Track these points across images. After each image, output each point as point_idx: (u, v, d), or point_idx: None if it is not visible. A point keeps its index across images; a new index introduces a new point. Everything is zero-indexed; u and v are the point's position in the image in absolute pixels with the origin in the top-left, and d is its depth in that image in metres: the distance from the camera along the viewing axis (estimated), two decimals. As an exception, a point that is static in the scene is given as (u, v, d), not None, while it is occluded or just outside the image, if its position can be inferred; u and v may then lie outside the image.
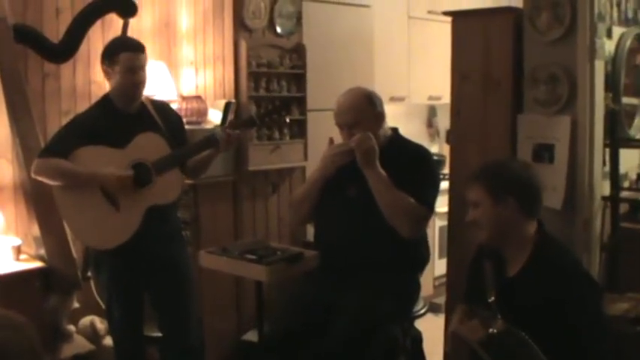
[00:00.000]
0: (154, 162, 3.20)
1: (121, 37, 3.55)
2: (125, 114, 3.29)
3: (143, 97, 3.37)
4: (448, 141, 4.42)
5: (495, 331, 2.43)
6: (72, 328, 3.86)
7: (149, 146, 3.23)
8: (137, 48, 3.26)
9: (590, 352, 2.40)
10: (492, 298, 2.56)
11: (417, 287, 3.45)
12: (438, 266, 5.51)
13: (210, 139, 3.32)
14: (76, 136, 3.19)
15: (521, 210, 2.56)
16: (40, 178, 3.19)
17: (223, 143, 3.30)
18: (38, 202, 3.54)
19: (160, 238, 3.32)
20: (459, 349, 2.64)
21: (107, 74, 3.27)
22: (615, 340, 2.54)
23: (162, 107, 3.48)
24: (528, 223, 2.59)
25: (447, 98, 3.94)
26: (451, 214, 3.87)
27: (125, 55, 3.21)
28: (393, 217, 3.17)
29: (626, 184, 3.87)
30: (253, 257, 3.20)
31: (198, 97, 4.38)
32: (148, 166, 3.19)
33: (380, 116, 3.34)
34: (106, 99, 3.33)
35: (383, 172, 3.19)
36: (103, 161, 3.16)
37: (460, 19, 3.79)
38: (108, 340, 3.86)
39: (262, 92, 4.37)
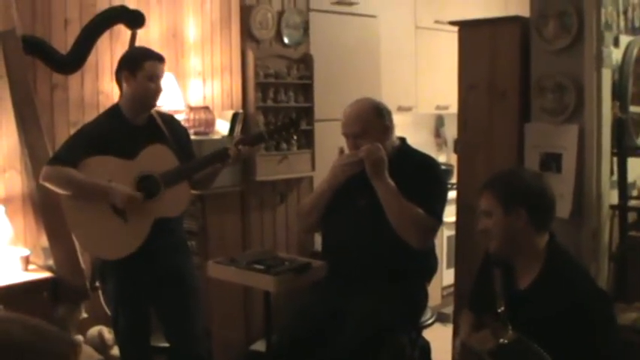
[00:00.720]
0: (162, 174, 3.20)
1: (143, 47, 3.60)
2: (134, 125, 3.30)
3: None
4: (456, 150, 4.42)
5: (506, 341, 2.42)
6: (80, 338, 3.87)
7: (157, 158, 3.24)
8: (161, 58, 3.32)
9: None
10: (502, 308, 2.55)
11: (424, 296, 3.44)
12: (446, 276, 5.50)
13: (220, 154, 3.32)
14: (84, 145, 3.19)
15: (533, 221, 2.55)
16: (47, 185, 3.20)
17: (233, 159, 3.31)
18: (47, 212, 3.56)
19: (166, 250, 3.32)
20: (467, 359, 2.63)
21: (126, 81, 3.28)
22: (623, 349, 2.52)
23: (170, 120, 3.50)
24: (539, 234, 2.58)
25: (454, 108, 3.94)
26: (459, 223, 3.86)
27: (150, 63, 3.26)
28: (402, 228, 3.17)
29: (634, 193, 3.85)
30: (261, 267, 3.20)
31: (205, 108, 4.40)
32: (157, 179, 3.20)
33: (387, 128, 3.35)
34: (115, 109, 3.34)
35: (392, 182, 3.19)
36: (111, 172, 3.16)
37: (467, 28, 3.79)
38: (116, 351, 3.86)
39: (270, 103, 4.38)
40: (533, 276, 2.56)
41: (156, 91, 3.29)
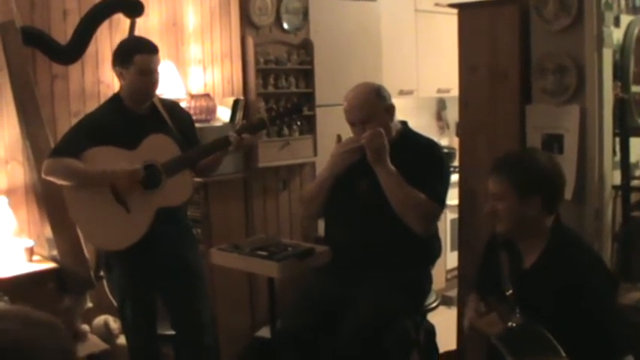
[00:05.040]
0: (163, 164, 3.20)
1: (134, 38, 3.51)
2: (135, 114, 3.29)
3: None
4: (458, 134, 4.41)
5: (514, 324, 2.43)
6: (86, 327, 3.89)
7: (159, 148, 3.23)
8: (151, 49, 3.23)
9: (607, 340, 2.41)
10: (510, 292, 2.56)
11: (428, 281, 3.45)
12: (450, 259, 5.50)
13: (222, 142, 3.31)
14: (85, 136, 3.19)
15: (545, 207, 2.55)
16: (50, 178, 3.20)
17: (235, 146, 3.29)
18: (50, 203, 3.56)
19: (171, 239, 3.32)
20: (476, 344, 2.64)
21: (120, 76, 3.26)
22: (628, 329, 2.53)
23: (173, 107, 3.48)
24: (549, 217, 2.59)
25: (456, 91, 3.91)
26: (462, 207, 3.85)
27: (140, 57, 3.19)
28: (405, 214, 3.17)
29: (636, 173, 3.84)
30: (264, 254, 3.21)
31: (206, 95, 4.39)
32: (158, 168, 3.19)
33: (390, 109, 3.34)
34: (116, 98, 3.33)
35: (394, 168, 3.18)
36: (112, 162, 3.16)
37: (466, 10, 3.77)
38: (122, 340, 3.87)
39: (271, 89, 4.37)
40: (537, 254, 2.58)
41: (151, 84, 3.25)
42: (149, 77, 3.22)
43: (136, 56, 3.19)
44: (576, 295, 2.39)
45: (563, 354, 2.27)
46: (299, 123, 4.23)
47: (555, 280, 2.45)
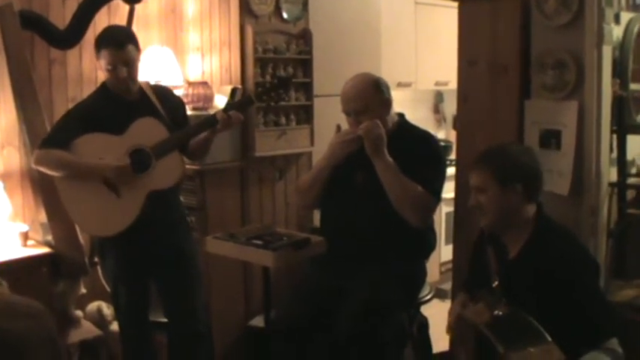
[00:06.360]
0: (152, 146, 3.19)
1: (106, 30, 3.39)
2: (124, 100, 3.28)
3: (142, 83, 3.36)
4: (455, 127, 4.41)
5: (500, 313, 2.48)
6: (79, 313, 3.89)
7: (147, 131, 3.22)
8: (117, 44, 3.18)
9: (591, 324, 2.46)
10: (496, 283, 2.62)
11: (423, 274, 3.45)
12: (445, 252, 5.52)
13: (208, 120, 3.30)
14: (75, 125, 3.19)
15: (526, 195, 2.63)
16: (40, 169, 3.20)
17: (222, 124, 3.28)
18: (45, 188, 3.55)
19: (164, 225, 3.33)
20: (463, 333, 2.67)
21: (99, 64, 3.27)
22: (621, 327, 2.55)
23: (163, 92, 3.47)
24: (530, 206, 2.66)
25: (454, 84, 3.92)
26: (457, 200, 3.86)
27: (105, 52, 3.18)
28: (402, 206, 3.17)
29: (633, 171, 3.85)
30: (259, 243, 3.20)
31: (204, 83, 4.38)
32: (147, 151, 3.19)
33: (387, 103, 3.33)
34: (103, 86, 3.33)
35: (391, 160, 3.18)
36: (102, 149, 3.16)
37: (467, 4, 3.76)
38: (115, 326, 3.88)
39: (269, 78, 4.35)
40: (521, 244, 2.64)
41: (120, 79, 3.21)
42: (116, 72, 3.19)
43: (102, 51, 3.19)
44: (560, 282, 2.45)
45: (549, 339, 2.32)
46: (286, 99, 4.18)
47: (539, 268, 2.52)
